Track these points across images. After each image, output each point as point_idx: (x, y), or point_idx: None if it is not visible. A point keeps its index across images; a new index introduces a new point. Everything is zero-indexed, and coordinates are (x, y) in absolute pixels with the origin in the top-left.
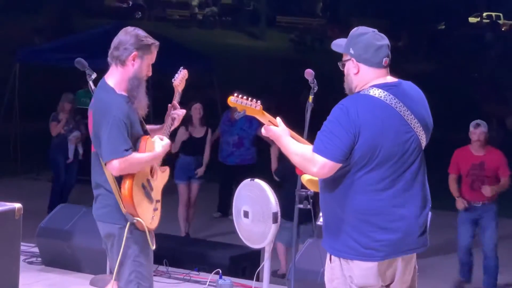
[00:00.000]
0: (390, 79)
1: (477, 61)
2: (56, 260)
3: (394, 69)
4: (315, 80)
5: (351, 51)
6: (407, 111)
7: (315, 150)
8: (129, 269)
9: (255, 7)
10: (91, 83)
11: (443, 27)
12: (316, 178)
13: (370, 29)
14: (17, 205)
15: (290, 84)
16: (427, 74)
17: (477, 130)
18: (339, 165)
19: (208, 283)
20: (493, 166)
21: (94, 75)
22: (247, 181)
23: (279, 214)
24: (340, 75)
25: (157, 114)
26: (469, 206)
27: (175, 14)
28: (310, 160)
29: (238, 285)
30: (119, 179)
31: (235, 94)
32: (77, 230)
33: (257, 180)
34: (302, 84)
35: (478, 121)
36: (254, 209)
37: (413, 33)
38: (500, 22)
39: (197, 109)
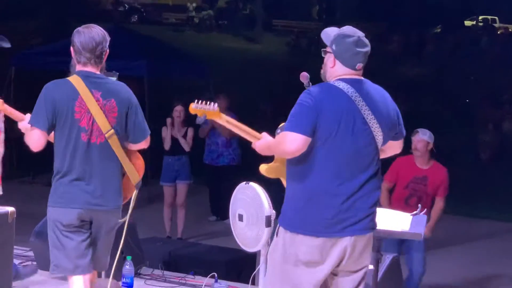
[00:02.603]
0: (357, 77)
1: (473, 65)
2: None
3: (389, 72)
4: (310, 83)
5: (333, 47)
6: (366, 106)
7: (286, 129)
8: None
9: (252, 11)
10: None
11: (439, 30)
12: (274, 164)
13: (358, 34)
14: (10, 209)
15: (286, 87)
16: (423, 77)
17: (415, 138)
18: (308, 139)
19: (203, 286)
20: (436, 183)
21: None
22: (242, 184)
23: (272, 218)
24: None
25: (153, 116)
26: None
27: (171, 17)
28: (283, 141)
29: None
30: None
31: (195, 101)
32: None
33: (251, 184)
34: (298, 87)
35: (418, 129)
36: (248, 212)
37: (408, 36)
38: (496, 25)
39: (177, 111)
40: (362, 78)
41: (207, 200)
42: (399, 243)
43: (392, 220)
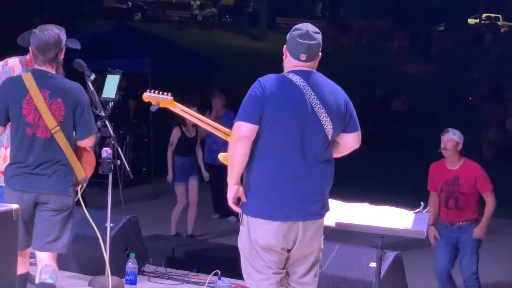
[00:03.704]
0: (308, 69)
1: (476, 62)
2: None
3: (392, 69)
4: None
5: (287, 40)
6: (314, 96)
7: (236, 119)
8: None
9: (255, 9)
10: (89, 84)
11: (442, 28)
12: None
13: (307, 28)
14: (15, 206)
15: None
16: (426, 75)
17: (444, 137)
18: (254, 126)
19: (206, 284)
20: (469, 181)
21: (93, 76)
22: None
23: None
24: (339, 76)
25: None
26: (446, 227)
27: (174, 15)
28: (233, 130)
29: (237, 286)
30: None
31: (148, 90)
32: (76, 231)
33: None
34: None
35: (449, 129)
36: None
37: (412, 34)
38: (499, 23)
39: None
40: (313, 70)
41: (210, 198)
42: (451, 247)
43: (395, 218)
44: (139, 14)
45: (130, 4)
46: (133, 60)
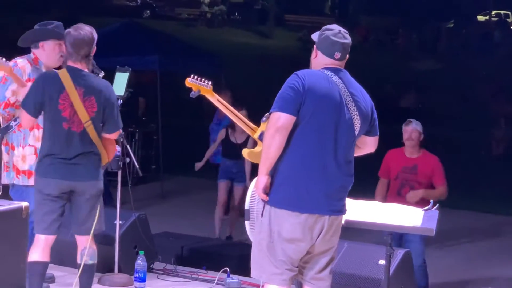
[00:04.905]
0: (339, 67)
1: (485, 60)
2: (63, 258)
3: (401, 66)
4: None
5: (316, 40)
6: (347, 93)
7: (272, 110)
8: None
9: (264, 6)
10: None
11: (452, 25)
12: (256, 149)
13: (339, 28)
14: (24, 204)
15: None
16: (435, 72)
17: (409, 128)
18: (292, 117)
19: (216, 281)
20: (427, 171)
21: (102, 74)
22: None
23: (250, 212)
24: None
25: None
26: None
27: (183, 12)
28: (270, 121)
29: (246, 283)
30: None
31: (192, 76)
32: None
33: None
34: None
35: (411, 119)
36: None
37: (421, 31)
38: (509, 20)
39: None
40: (343, 69)
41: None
42: (399, 237)
43: (404, 215)
44: (148, 11)
45: (139, 1)
46: (141, 58)
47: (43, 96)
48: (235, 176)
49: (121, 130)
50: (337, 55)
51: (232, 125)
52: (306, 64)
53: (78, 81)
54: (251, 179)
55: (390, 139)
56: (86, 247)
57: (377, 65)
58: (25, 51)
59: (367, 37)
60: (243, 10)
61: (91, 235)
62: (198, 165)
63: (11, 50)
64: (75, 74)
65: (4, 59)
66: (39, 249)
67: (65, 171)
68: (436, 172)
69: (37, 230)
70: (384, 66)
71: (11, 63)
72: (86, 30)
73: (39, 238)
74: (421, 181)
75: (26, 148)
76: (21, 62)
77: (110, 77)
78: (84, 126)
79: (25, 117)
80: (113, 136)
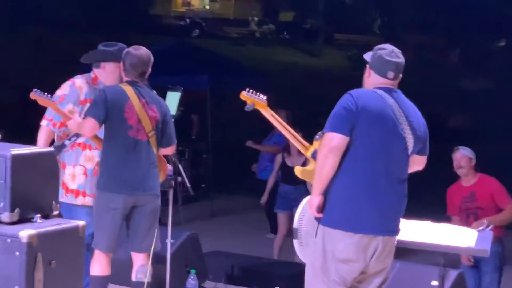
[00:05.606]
0: (392, 86)
1: None
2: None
3: (449, 85)
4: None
5: (369, 60)
6: (401, 113)
7: (325, 129)
8: None
9: (313, 25)
10: None
11: (503, 44)
12: (309, 168)
13: (391, 48)
14: (81, 223)
15: None
16: (484, 91)
17: (457, 155)
18: (346, 138)
19: None
20: (486, 195)
21: (153, 93)
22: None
23: (299, 231)
24: None
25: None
26: None
27: (232, 31)
28: (325, 141)
29: None
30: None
31: (247, 89)
32: None
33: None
34: None
35: (458, 147)
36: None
37: (471, 50)
38: None
39: None
40: (397, 89)
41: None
42: (474, 269)
43: (458, 235)
44: (197, 30)
45: (188, 20)
46: (192, 77)
47: (109, 105)
48: (294, 203)
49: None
50: (390, 74)
51: (287, 149)
52: (355, 83)
53: (140, 92)
54: None
55: (440, 159)
56: (144, 265)
57: (426, 84)
58: (77, 69)
59: (416, 56)
60: (292, 29)
61: (150, 252)
62: (264, 199)
63: (64, 68)
64: (135, 86)
65: (48, 95)
66: (100, 263)
67: (132, 183)
68: (497, 193)
69: (99, 247)
70: (434, 85)
71: (69, 82)
72: (145, 51)
73: (100, 252)
74: (483, 207)
75: (77, 168)
76: (79, 81)
77: (160, 96)
78: (148, 135)
79: (89, 125)
80: (169, 150)
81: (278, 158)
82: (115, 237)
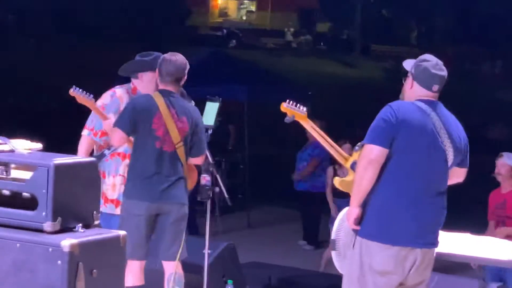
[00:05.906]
0: (433, 99)
1: None
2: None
3: (489, 95)
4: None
5: (412, 71)
6: (442, 126)
7: (364, 141)
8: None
9: (350, 36)
10: None
11: None
12: (348, 178)
13: (435, 60)
14: (122, 232)
15: None
16: None
17: (498, 162)
18: (385, 150)
19: None
20: None
21: (192, 103)
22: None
23: (337, 243)
24: None
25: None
26: None
27: (269, 42)
28: (364, 153)
29: None
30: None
31: (287, 101)
32: None
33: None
34: None
35: (503, 153)
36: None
37: (509, 60)
38: None
39: (346, 149)
40: (438, 101)
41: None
42: (500, 270)
43: (497, 248)
44: (234, 41)
45: (224, 31)
46: (229, 88)
47: (138, 115)
48: None
49: (210, 159)
50: (435, 87)
51: (337, 161)
52: (391, 94)
53: (171, 102)
54: None
55: (480, 171)
56: (173, 273)
57: (464, 95)
58: (114, 80)
59: (455, 67)
60: (329, 40)
61: (177, 260)
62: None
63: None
64: (167, 95)
65: (88, 94)
66: (133, 273)
67: (155, 192)
68: None
69: (131, 256)
70: (472, 96)
71: (109, 91)
72: (181, 57)
73: (132, 262)
74: (510, 215)
75: (117, 178)
76: (119, 91)
77: (198, 107)
78: (175, 147)
79: (117, 135)
80: (198, 160)
81: (330, 171)
82: (140, 243)
